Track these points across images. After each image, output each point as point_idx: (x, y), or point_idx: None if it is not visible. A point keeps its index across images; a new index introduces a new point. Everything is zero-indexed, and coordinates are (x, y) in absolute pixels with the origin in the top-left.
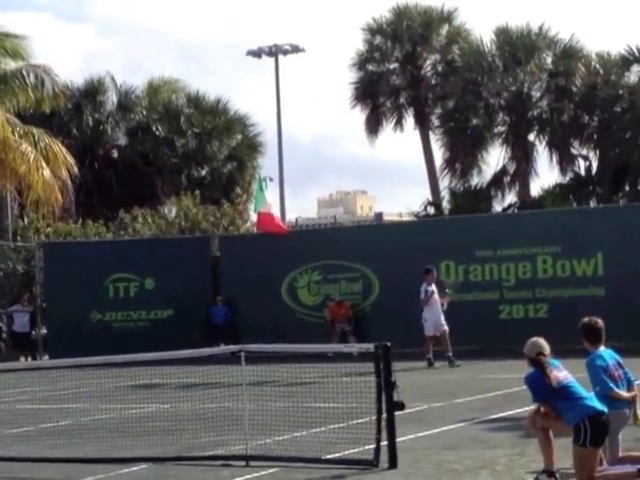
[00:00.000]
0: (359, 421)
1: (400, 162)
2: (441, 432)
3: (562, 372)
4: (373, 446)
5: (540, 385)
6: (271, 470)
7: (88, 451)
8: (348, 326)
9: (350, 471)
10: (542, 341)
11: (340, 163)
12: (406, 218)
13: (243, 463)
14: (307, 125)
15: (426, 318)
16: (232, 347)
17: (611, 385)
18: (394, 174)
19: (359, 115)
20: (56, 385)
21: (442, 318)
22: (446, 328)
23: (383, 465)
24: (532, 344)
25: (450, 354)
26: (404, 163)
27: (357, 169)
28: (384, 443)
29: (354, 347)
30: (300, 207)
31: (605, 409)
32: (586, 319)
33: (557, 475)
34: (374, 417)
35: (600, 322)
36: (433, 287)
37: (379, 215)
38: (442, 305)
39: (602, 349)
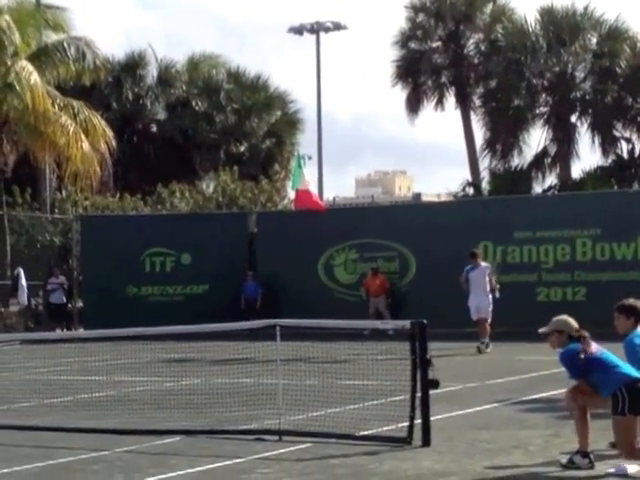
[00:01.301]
0: (393, 399)
1: (440, 142)
2: (475, 412)
3: (593, 345)
4: (407, 424)
5: (576, 361)
6: (304, 445)
7: (121, 422)
8: (384, 300)
9: (383, 448)
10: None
11: (379, 143)
12: (444, 199)
13: (276, 438)
14: (347, 104)
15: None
16: (266, 321)
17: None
18: (433, 154)
19: (400, 94)
20: (91, 357)
21: (480, 302)
22: (482, 315)
23: (416, 443)
24: (567, 322)
25: (484, 340)
26: (444, 143)
27: (396, 149)
28: (418, 421)
29: (390, 324)
30: (338, 186)
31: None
32: (631, 299)
33: (591, 456)
34: (408, 395)
35: None
36: (472, 269)
37: (417, 195)
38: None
39: None
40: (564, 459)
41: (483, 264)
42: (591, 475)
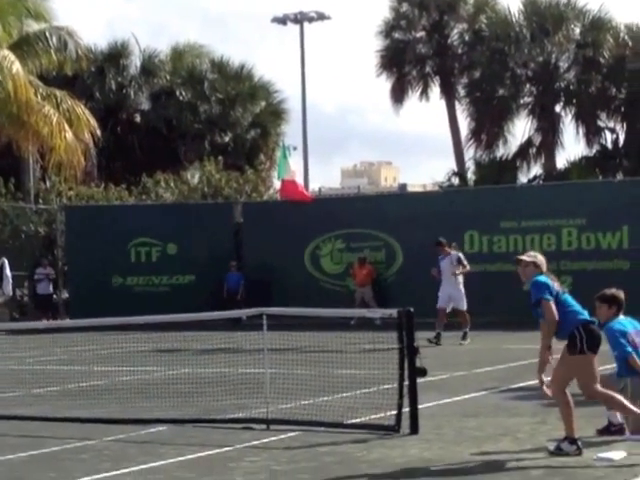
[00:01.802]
0: (381, 387)
1: (425, 133)
2: (463, 400)
3: (556, 282)
4: (395, 412)
5: (549, 288)
6: (292, 434)
7: (109, 412)
8: (370, 291)
9: (371, 436)
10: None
11: (364, 133)
12: (430, 189)
13: (264, 426)
14: (332, 94)
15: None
16: (253, 310)
17: (629, 349)
18: (419, 145)
19: (384, 85)
20: (77, 347)
21: (452, 292)
22: (458, 307)
23: (404, 431)
24: (544, 261)
25: (438, 330)
26: (429, 134)
27: (382, 140)
28: (406, 409)
29: (377, 312)
30: (324, 177)
31: (595, 320)
32: (612, 289)
33: (579, 443)
34: (396, 383)
35: (622, 293)
36: (442, 258)
37: (403, 186)
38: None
39: (622, 317)
40: (551, 446)
41: (453, 253)
42: (579, 461)
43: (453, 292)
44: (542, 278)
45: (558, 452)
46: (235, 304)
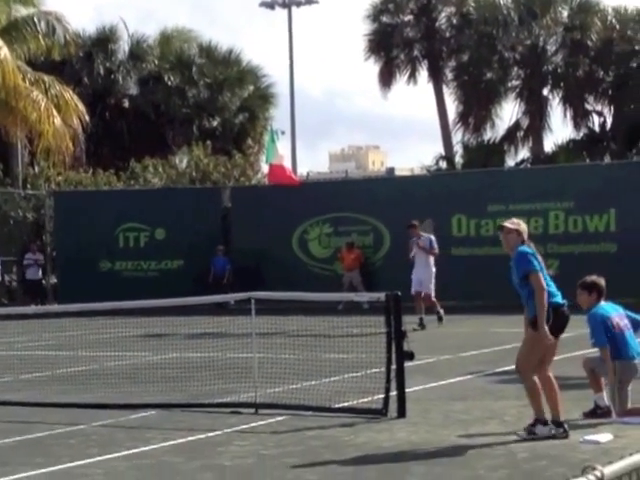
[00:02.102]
0: (369, 371)
1: (413, 117)
2: (450, 384)
3: (539, 256)
4: (382, 396)
5: (532, 259)
6: (280, 418)
7: (97, 397)
8: (358, 275)
9: (359, 420)
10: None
11: (352, 117)
12: (418, 173)
13: (252, 411)
14: (320, 79)
15: None
16: (241, 294)
17: (604, 340)
18: (407, 129)
19: (372, 69)
20: (65, 332)
21: (422, 276)
22: (425, 290)
23: (392, 414)
24: (526, 229)
25: (438, 311)
26: (417, 118)
27: (369, 124)
28: (393, 393)
29: (365, 296)
30: (312, 161)
31: (565, 302)
32: (593, 276)
33: (550, 423)
34: (384, 367)
35: (602, 280)
36: (414, 241)
37: (391, 170)
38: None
39: (603, 303)
40: (522, 433)
41: (424, 235)
42: (565, 444)
43: (423, 275)
44: (528, 249)
45: (532, 437)
46: (221, 288)
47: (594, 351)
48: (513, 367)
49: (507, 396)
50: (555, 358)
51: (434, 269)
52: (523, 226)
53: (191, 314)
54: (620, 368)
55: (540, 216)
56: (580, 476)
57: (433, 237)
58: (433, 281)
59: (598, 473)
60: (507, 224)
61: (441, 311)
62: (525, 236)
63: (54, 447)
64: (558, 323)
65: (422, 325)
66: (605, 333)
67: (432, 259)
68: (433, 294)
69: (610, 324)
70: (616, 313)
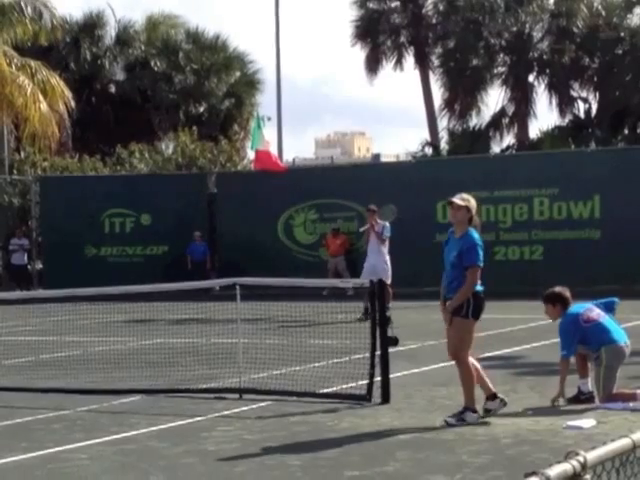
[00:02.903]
0: (353, 357)
1: (399, 103)
2: (433, 369)
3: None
4: (366, 381)
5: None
6: (264, 403)
7: (82, 382)
8: (343, 261)
9: (343, 405)
10: None
11: (338, 104)
12: (403, 159)
13: (236, 396)
14: (306, 65)
15: None
16: (226, 280)
17: (564, 352)
18: (392, 115)
19: (359, 55)
20: (50, 318)
21: (376, 265)
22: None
23: (376, 400)
24: (475, 205)
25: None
26: (402, 104)
27: (355, 110)
28: (377, 379)
29: (350, 282)
30: (297, 147)
31: (482, 288)
32: (556, 287)
33: (479, 412)
34: (368, 353)
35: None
36: (369, 228)
37: (376, 156)
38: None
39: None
40: (451, 419)
41: (380, 222)
42: (548, 429)
43: (377, 264)
44: (478, 238)
45: (460, 423)
46: (204, 274)
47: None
48: (498, 353)
49: (491, 382)
50: (541, 344)
51: (388, 257)
52: (473, 202)
53: (176, 300)
54: (607, 354)
55: (525, 202)
56: (563, 461)
57: (388, 224)
58: (389, 270)
59: (581, 458)
60: (457, 200)
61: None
62: (474, 212)
63: (39, 432)
64: (476, 307)
65: (366, 316)
66: (576, 337)
67: (386, 247)
68: (389, 282)
69: (581, 320)
70: (584, 309)
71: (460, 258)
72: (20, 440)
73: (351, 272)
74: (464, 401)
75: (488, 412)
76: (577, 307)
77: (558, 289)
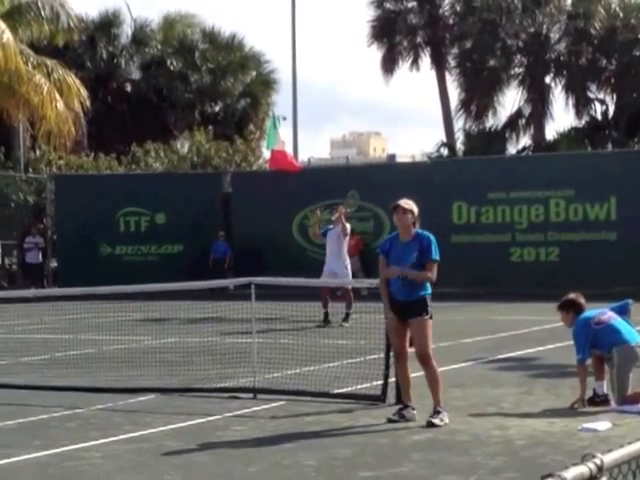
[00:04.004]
0: (368, 357)
1: (414, 104)
2: (448, 370)
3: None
4: (381, 382)
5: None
6: (278, 403)
7: (96, 381)
8: (357, 261)
9: (357, 406)
10: None
11: (354, 104)
12: (419, 160)
13: (251, 395)
14: (322, 65)
15: None
16: (241, 279)
17: (579, 356)
18: (408, 116)
19: (375, 56)
20: (65, 316)
21: (336, 268)
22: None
23: (390, 401)
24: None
25: (349, 311)
26: (418, 105)
27: (371, 111)
28: (392, 379)
29: (364, 282)
30: (313, 147)
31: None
32: (570, 295)
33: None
34: (383, 354)
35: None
36: (331, 229)
37: (392, 157)
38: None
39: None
40: (393, 414)
41: (343, 224)
42: (564, 432)
43: (338, 270)
44: (430, 236)
45: (400, 419)
46: (222, 274)
47: None
48: (512, 354)
49: (505, 383)
50: (556, 345)
51: (348, 260)
52: (416, 208)
53: (191, 299)
54: (618, 354)
55: (541, 204)
56: (580, 464)
57: (349, 225)
58: (349, 274)
59: (598, 461)
60: (403, 204)
61: (350, 312)
62: (416, 217)
63: (53, 430)
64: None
65: (326, 321)
66: (588, 339)
67: (345, 247)
68: (350, 287)
69: (592, 323)
70: (596, 313)
71: (421, 257)
72: (34, 438)
73: (366, 272)
74: (437, 401)
75: (402, 417)
76: (590, 312)
77: (571, 296)
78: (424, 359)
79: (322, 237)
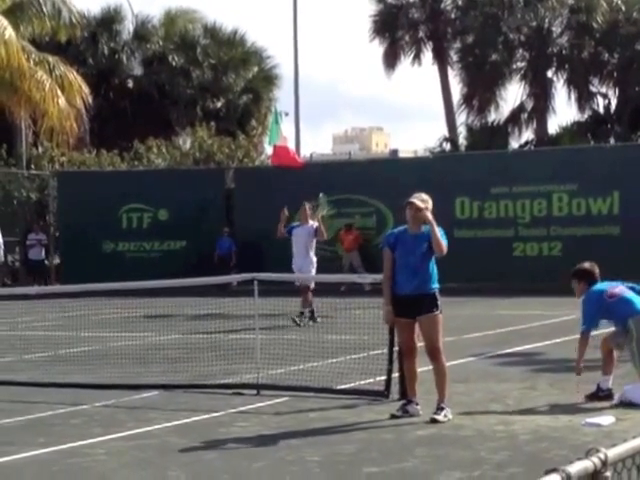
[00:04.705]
0: (371, 353)
1: (417, 99)
2: (452, 366)
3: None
4: (384, 377)
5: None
6: (282, 399)
7: (100, 377)
8: (358, 256)
9: (361, 401)
10: None
11: (356, 100)
12: (421, 155)
13: (254, 392)
14: (324, 60)
15: None
16: (244, 275)
17: (584, 326)
18: (410, 111)
19: (377, 51)
20: (68, 313)
21: (302, 267)
22: (303, 282)
23: (394, 396)
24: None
25: (303, 310)
26: (421, 100)
27: (373, 106)
28: (395, 375)
29: (367, 277)
30: (315, 143)
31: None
32: (585, 263)
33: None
34: (386, 349)
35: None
36: (298, 226)
37: (394, 152)
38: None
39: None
40: (397, 410)
41: (311, 223)
42: (567, 426)
43: (303, 265)
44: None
45: (404, 414)
46: (227, 270)
47: (607, 332)
48: (515, 349)
49: (509, 378)
50: (560, 340)
51: (315, 259)
52: (431, 204)
53: (194, 295)
54: (635, 325)
55: (544, 198)
56: (584, 458)
57: (316, 224)
58: (313, 271)
59: (602, 456)
60: (417, 202)
61: (314, 309)
62: (431, 207)
63: (57, 427)
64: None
65: (313, 318)
66: (599, 311)
67: (313, 247)
68: (312, 286)
69: (605, 296)
70: (609, 284)
71: (431, 247)
72: (38, 435)
73: (368, 267)
74: (442, 397)
75: (406, 412)
76: (602, 284)
77: (586, 265)
78: (434, 354)
79: (287, 234)
